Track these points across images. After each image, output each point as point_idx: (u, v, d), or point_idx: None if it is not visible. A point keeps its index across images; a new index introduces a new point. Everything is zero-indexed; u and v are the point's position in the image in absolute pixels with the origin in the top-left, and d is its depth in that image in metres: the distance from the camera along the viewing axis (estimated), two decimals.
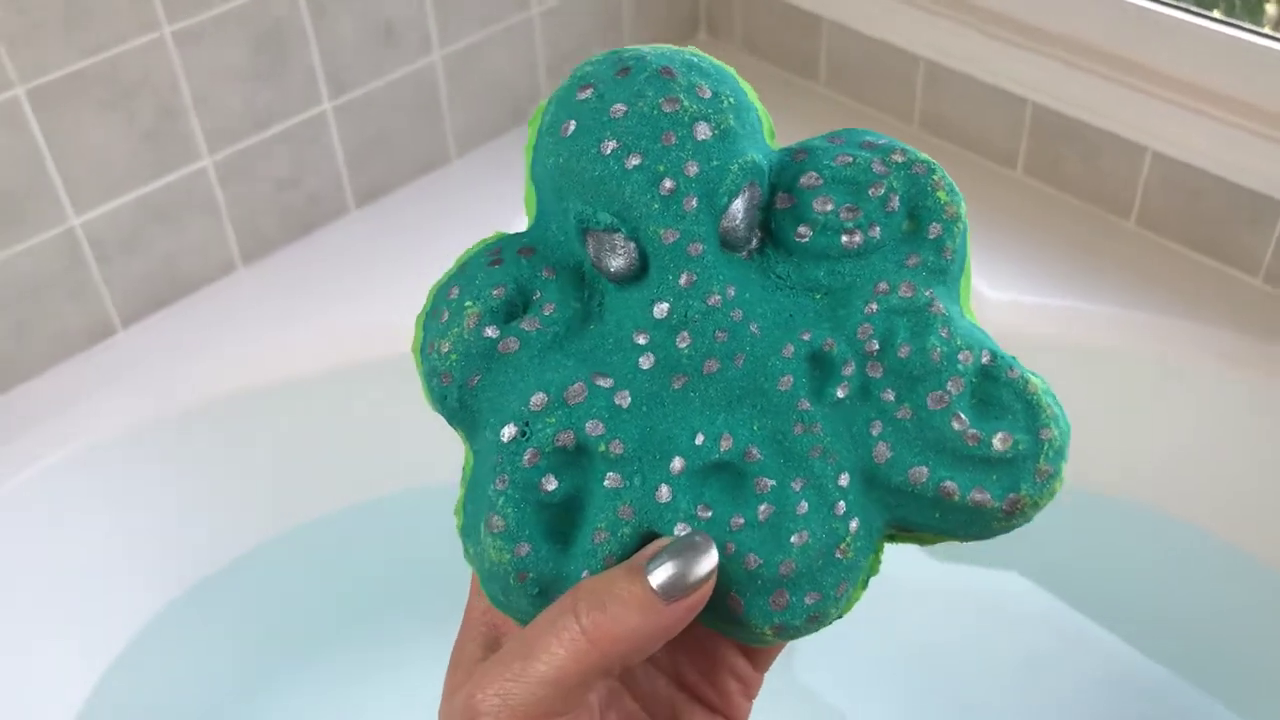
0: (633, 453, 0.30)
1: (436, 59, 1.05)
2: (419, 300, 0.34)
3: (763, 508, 0.30)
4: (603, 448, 0.30)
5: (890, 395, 0.30)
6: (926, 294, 0.31)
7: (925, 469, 0.30)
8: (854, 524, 0.30)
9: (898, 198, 0.32)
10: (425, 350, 0.32)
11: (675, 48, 0.32)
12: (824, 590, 0.30)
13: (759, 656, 0.34)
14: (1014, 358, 0.31)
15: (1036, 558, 1.00)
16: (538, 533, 0.30)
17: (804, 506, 0.30)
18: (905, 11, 1.02)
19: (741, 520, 0.30)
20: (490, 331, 0.31)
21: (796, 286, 0.32)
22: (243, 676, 0.95)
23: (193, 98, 0.91)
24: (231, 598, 0.96)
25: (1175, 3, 0.91)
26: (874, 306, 0.31)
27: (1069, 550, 1.00)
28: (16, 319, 0.90)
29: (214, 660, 0.95)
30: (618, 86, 0.31)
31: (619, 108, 0.31)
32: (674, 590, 0.28)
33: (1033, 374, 0.31)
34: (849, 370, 0.31)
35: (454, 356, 0.31)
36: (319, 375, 0.96)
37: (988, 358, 0.31)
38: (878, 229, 0.32)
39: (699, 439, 0.30)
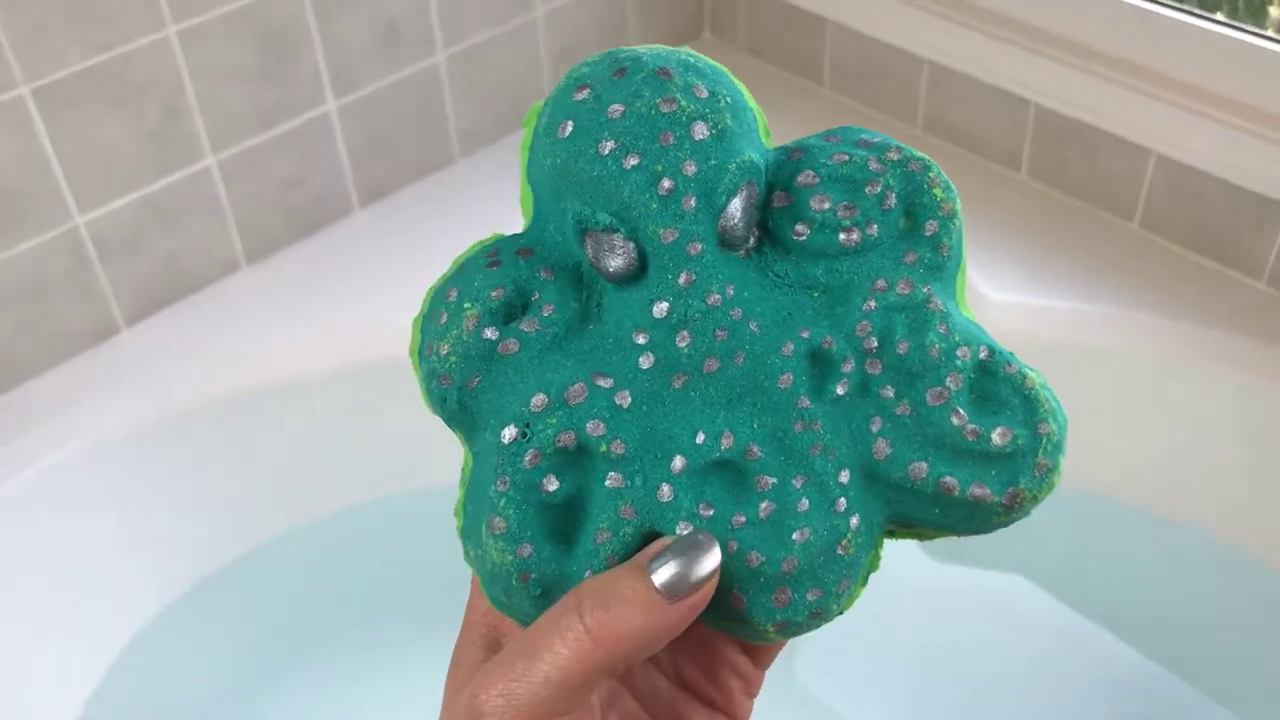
0: (634, 452, 0.30)
1: (441, 59, 1.05)
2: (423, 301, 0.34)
3: (764, 505, 0.30)
4: (604, 448, 0.30)
5: (889, 392, 0.30)
6: (924, 291, 0.31)
7: (925, 465, 0.30)
8: (855, 520, 0.30)
9: (894, 195, 0.32)
10: (423, 352, 0.32)
11: (670, 48, 0.32)
12: (826, 587, 0.30)
13: (760, 654, 0.34)
14: (1011, 353, 0.31)
15: (1038, 559, 1.00)
16: (540, 534, 0.30)
17: (805, 504, 0.30)
18: (909, 13, 1.03)
19: (743, 518, 0.30)
20: (489, 333, 0.31)
21: (795, 284, 0.32)
22: (243, 676, 0.95)
23: (197, 97, 0.92)
24: (232, 597, 0.96)
25: (1179, 5, 0.91)
26: (872, 304, 0.31)
27: (1071, 551, 1.00)
28: (20, 318, 0.90)
29: (215, 660, 0.95)
30: (615, 87, 0.31)
31: (616, 108, 0.31)
32: (677, 589, 0.28)
33: (1030, 369, 0.31)
34: (848, 367, 0.31)
35: (453, 358, 0.31)
36: (322, 375, 0.96)
37: (985, 353, 0.31)
38: (875, 226, 0.32)
39: (700, 438, 0.30)
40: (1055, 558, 1.00)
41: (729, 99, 0.31)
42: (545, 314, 0.31)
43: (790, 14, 1.15)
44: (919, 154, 0.32)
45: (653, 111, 0.31)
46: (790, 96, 1.17)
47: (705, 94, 0.31)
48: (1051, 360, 0.93)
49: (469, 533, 0.31)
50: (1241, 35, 0.88)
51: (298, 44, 0.95)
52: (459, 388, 0.31)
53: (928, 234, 0.32)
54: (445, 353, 0.31)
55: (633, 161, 0.30)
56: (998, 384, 0.31)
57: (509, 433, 0.30)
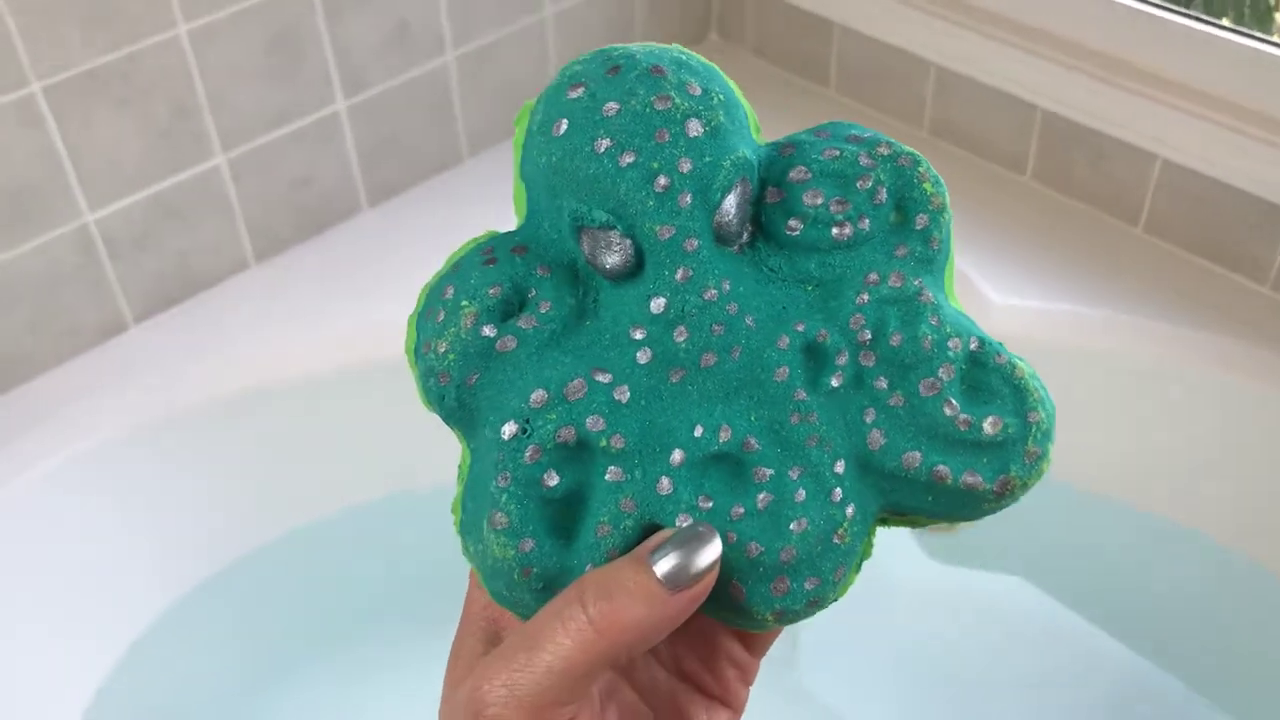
0: (633, 446, 0.31)
1: (450, 59, 1.05)
2: None
3: (762, 496, 0.31)
4: (604, 442, 0.30)
5: (883, 383, 0.31)
6: (915, 283, 0.32)
7: (918, 454, 0.31)
8: (850, 509, 0.31)
9: (885, 190, 0.32)
10: (420, 350, 0.32)
11: (662, 45, 0.33)
12: (823, 575, 0.31)
13: (755, 643, 0.34)
14: (1000, 343, 0.32)
15: (1039, 561, 1.00)
16: (541, 528, 0.30)
17: (802, 494, 0.30)
18: (916, 17, 1.03)
19: (741, 509, 0.31)
20: (488, 330, 0.31)
21: (789, 279, 0.32)
22: (247, 674, 0.95)
23: (207, 96, 0.92)
24: (237, 596, 0.96)
25: (1185, 10, 0.92)
26: (865, 297, 0.32)
27: (1072, 554, 1.00)
28: (30, 315, 0.91)
29: (219, 658, 0.95)
30: (609, 85, 0.31)
31: (611, 106, 0.31)
32: (678, 580, 0.29)
33: (1019, 359, 0.32)
34: (842, 360, 0.31)
35: (451, 356, 0.31)
36: (330, 374, 0.96)
37: (975, 344, 0.32)
38: (866, 221, 0.32)
39: (698, 431, 0.31)
40: (1056, 560, 1.00)
41: (721, 96, 0.32)
42: (542, 311, 0.31)
43: (797, 16, 1.15)
44: (908, 149, 0.33)
45: (647, 109, 0.31)
46: (796, 98, 1.17)
47: (699, 91, 0.31)
48: (1055, 363, 0.94)
49: (468, 528, 0.31)
50: (1247, 40, 0.88)
51: (308, 44, 0.96)
52: (457, 385, 0.31)
53: (918, 228, 0.32)
54: (443, 350, 0.31)
55: (628, 159, 0.31)
56: (988, 374, 0.31)
57: (509, 429, 0.31)
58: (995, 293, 0.95)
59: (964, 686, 0.96)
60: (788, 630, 1.08)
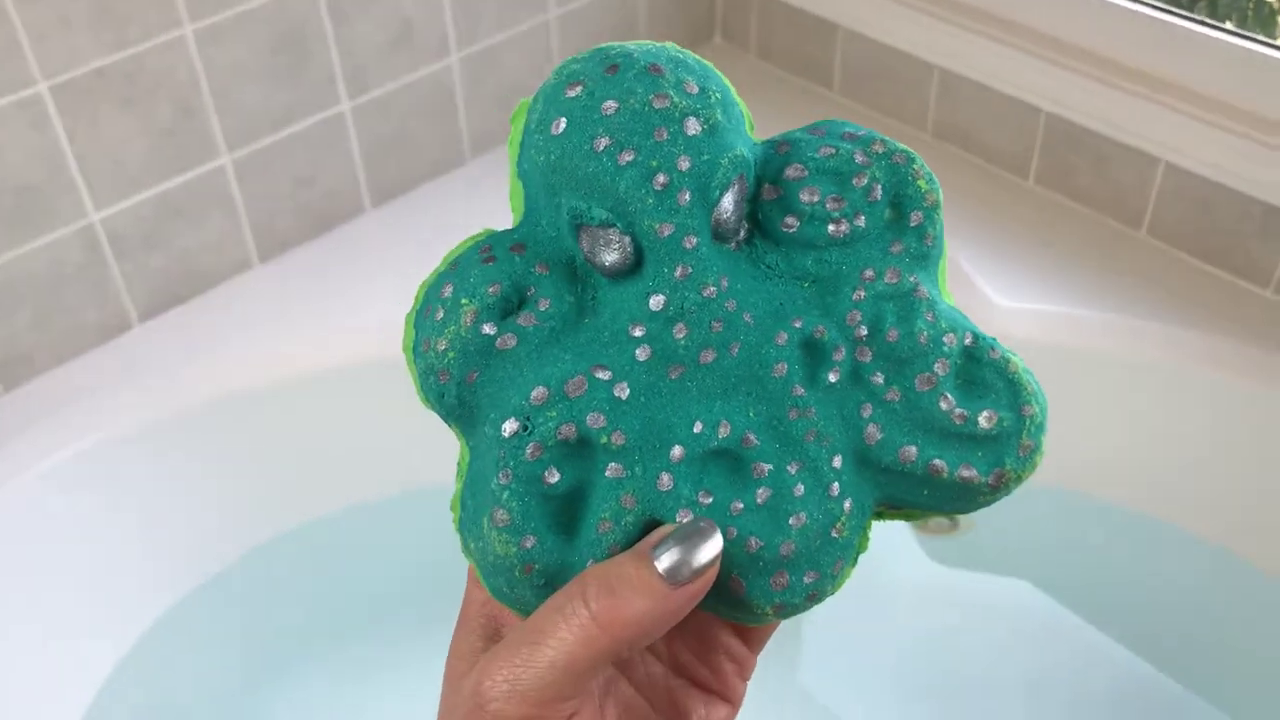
0: (633, 443, 0.31)
1: (454, 61, 1.05)
2: None
3: (761, 491, 0.31)
4: (604, 439, 0.31)
5: (879, 378, 0.32)
6: (911, 280, 0.32)
7: (914, 448, 0.31)
8: (848, 504, 0.31)
9: (880, 187, 0.33)
10: (419, 348, 0.32)
11: (659, 44, 0.33)
12: (822, 569, 0.31)
13: (752, 638, 0.34)
14: (994, 338, 0.32)
15: (1043, 565, 1.00)
16: (542, 525, 0.31)
17: (800, 489, 0.31)
18: (920, 20, 1.03)
19: (741, 505, 0.31)
20: (488, 328, 0.31)
21: (786, 275, 0.32)
22: (251, 672, 0.95)
23: (212, 96, 0.92)
24: (241, 594, 0.97)
25: (1189, 14, 0.92)
26: (861, 293, 0.32)
27: (1076, 558, 1.00)
28: (34, 313, 0.91)
29: (223, 656, 0.95)
30: (607, 84, 0.31)
31: (610, 105, 0.31)
32: (680, 575, 0.29)
33: (1012, 353, 0.32)
34: (840, 355, 0.32)
35: (451, 354, 0.31)
36: (332, 374, 0.96)
37: (970, 339, 0.32)
38: (862, 218, 0.33)
39: (697, 427, 0.31)
40: (1060, 564, 1.00)
41: (718, 94, 0.32)
42: (542, 309, 0.32)
43: (802, 19, 1.15)
44: (902, 146, 0.33)
45: (646, 108, 0.31)
46: (800, 100, 1.17)
47: (696, 90, 0.32)
48: (1057, 366, 0.94)
49: (468, 526, 0.32)
50: (1251, 44, 0.88)
51: (312, 44, 0.96)
52: (457, 383, 0.32)
53: (913, 224, 0.33)
54: (443, 348, 0.32)
55: (628, 157, 0.31)
56: (982, 369, 0.32)
57: (510, 426, 0.31)
58: (998, 295, 0.96)
59: (963, 686, 0.96)
60: (790, 631, 1.08)
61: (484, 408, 0.32)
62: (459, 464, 0.33)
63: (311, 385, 0.96)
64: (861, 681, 0.97)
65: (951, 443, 0.31)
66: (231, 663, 0.95)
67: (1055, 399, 0.98)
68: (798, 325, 0.32)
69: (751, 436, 0.31)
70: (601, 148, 0.31)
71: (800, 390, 0.31)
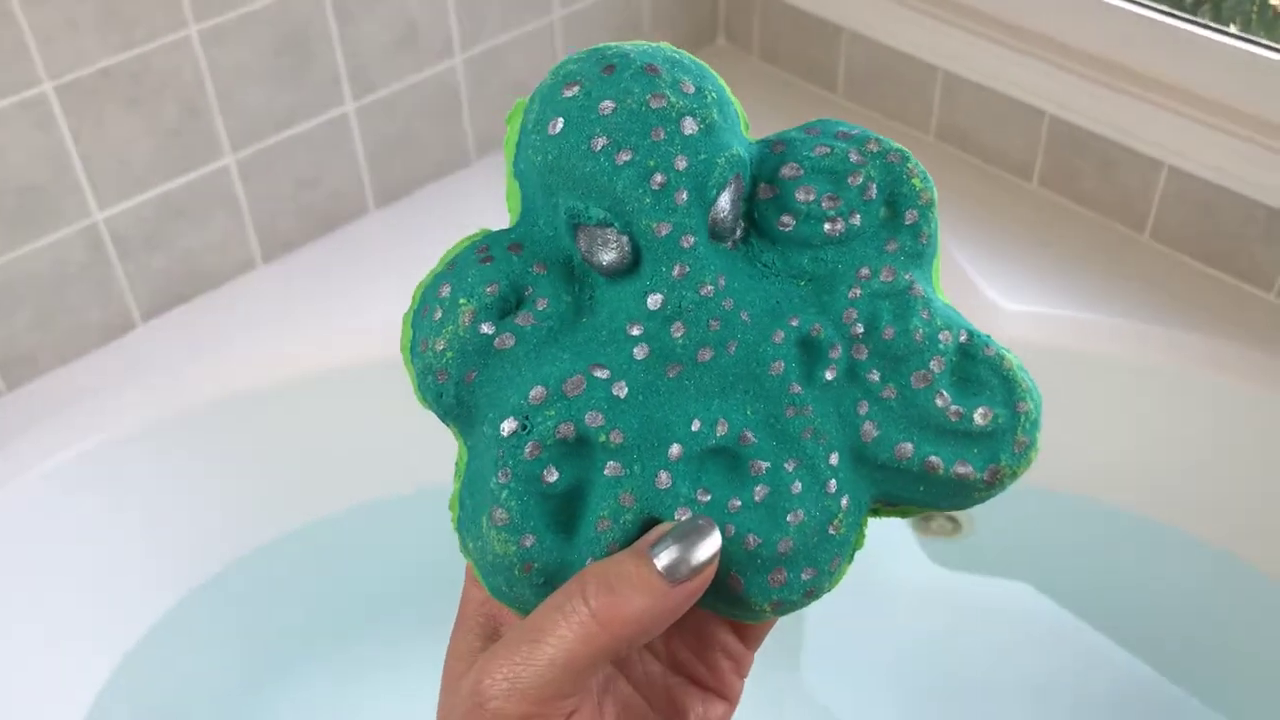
0: (632, 441, 0.31)
1: (458, 62, 1.06)
2: None
3: (759, 489, 0.31)
4: (603, 438, 0.31)
5: (876, 376, 0.32)
6: (906, 278, 0.32)
7: (910, 445, 0.31)
8: (845, 501, 0.31)
9: (875, 186, 0.33)
10: (417, 348, 0.32)
11: (655, 44, 0.33)
12: (819, 566, 0.31)
13: (749, 635, 0.34)
14: (988, 335, 0.32)
15: (1046, 570, 1.00)
16: (541, 524, 0.31)
17: (798, 486, 0.31)
18: (924, 23, 1.03)
19: (739, 502, 0.31)
20: (486, 328, 0.31)
21: (782, 274, 0.33)
22: (253, 672, 0.95)
23: (217, 96, 0.93)
24: (243, 594, 0.97)
25: (1193, 18, 0.92)
26: (857, 291, 0.32)
27: (1081, 562, 1.00)
28: (38, 312, 0.91)
29: (225, 656, 0.95)
30: (604, 84, 0.32)
31: (607, 105, 0.31)
32: (679, 572, 0.29)
33: (1006, 350, 0.32)
34: (836, 353, 0.32)
35: (450, 354, 0.32)
36: (335, 374, 0.96)
37: (965, 337, 0.32)
38: (858, 216, 0.33)
39: (695, 425, 0.31)
40: (1062, 567, 1.00)
41: (714, 94, 0.32)
42: (540, 308, 0.32)
43: (805, 21, 1.15)
44: (896, 145, 0.33)
45: (643, 108, 0.31)
46: (803, 103, 1.17)
47: (692, 90, 0.32)
48: (1061, 369, 0.94)
49: (466, 525, 0.32)
50: (1255, 48, 0.88)
51: (317, 45, 0.96)
52: (456, 382, 0.32)
53: (908, 223, 0.33)
54: (441, 348, 0.32)
55: (625, 157, 0.31)
56: (977, 366, 0.32)
57: (508, 425, 0.31)
58: (1001, 298, 0.96)
59: (965, 689, 0.96)
60: (792, 634, 1.07)
61: (482, 407, 0.32)
62: (457, 463, 0.33)
63: (314, 385, 0.96)
64: (863, 684, 0.97)
65: (947, 439, 0.31)
66: (233, 662, 0.96)
67: (1058, 403, 0.97)
68: (794, 323, 0.32)
69: (749, 434, 0.31)
70: (599, 147, 0.31)
71: (797, 388, 0.31)
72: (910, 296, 0.32)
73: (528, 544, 0.30)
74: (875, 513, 0.33)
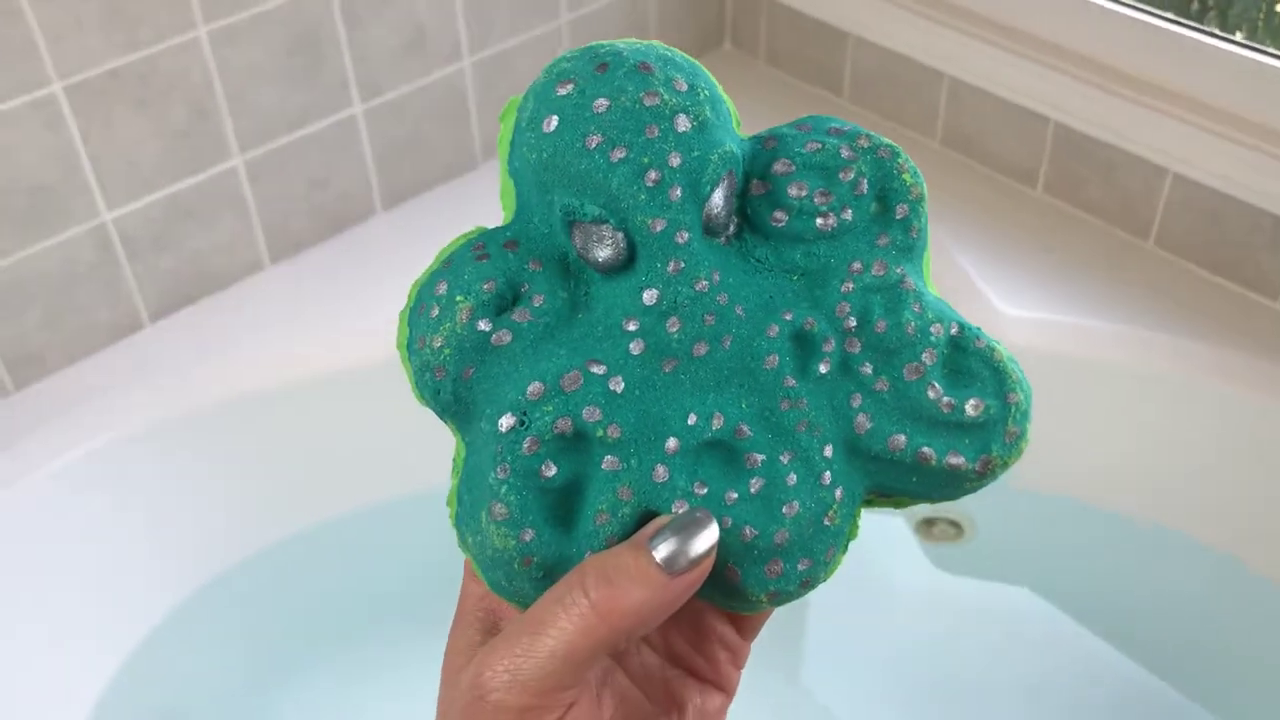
0: (629, 435, 0.31)
1: (466, 65, 1.06)
2: None
3: (755, 481, 0.31)
4: (600, 432, 0.31)
5: (868, 369, 0.32)
6: (898, 271, 0.33)
7: (903, 437, 0.32)
8: (839, 492, 0.32)
9: (866, 181, 0.33)
10: (414, 346, 0.33)
11: (647, 42, 0.33)
12: (815, 556, 0.32)
13: (746, 626, 0.35)
14: (979, 327, 0.33)
15: (1049, 575, 1.00)
16: (540, 518, 0.31)
17: (793, 478, 0.31)
18: (930, 28, 1.03)
19: (735, 495, 0.31)
20: (483, 325, 0.32)
21: (775, 269, 0.33)
22: (257, 672, 0.96)
23: (226, 98, 0.93)
24: (247, 595, 0.97)
25: (1199, 26, 0.92)
26: (850, 285, 0.33)
27: (1080, 567, 1.00)
28: (45, 312, 0.92)
29: (228, 656, 0.96)
30: (598, 82, 0.32)
31: (601, 103, 0.32)
32: (677, 564, 0.29)
33: (996, 342, 0.33)
34: (829, 347, 0.32)
35: (447, 351, 0.32)
36: (341, 376, 0.96)
37: (956, 329, 0.33)
38: (849, 211, 0.33)
39: (691, 419, 0.31)
40: (1066, 572, 1.00)
41: (707, 92, 0.33)
42: (536, 305, 0.32)
43: (811, 26, 1.16)
44: (886, 140, 0.34)
45: (637, 106, 0.31)
46: (809, 107, 1.18)
47: (685, 87, 0.32)
48: (1064, 375, 0.94)
49: (465, 520, 0.32)
50: (1261, 56, 0.88)
51: (326, 47, 0.96)
52: (453, 379, 0.32)
53: (898, 217, 0.33)
54: (439, 345, 0.32)
55: (620, 154, 0.31)
56: (968, 358, 0.32)
57: (507, 421, 0.31)
58: (1004, 304, 0.96)
59: (967, 692, 0.96)
60: (795, 637, 1.07)
61: (480, 403, 0.32)
62: (454, 460, 0.33)
63: (321, 387, 0.96)
64: (866, 688, 0.97)
65: (939, 431, 0.32)
66: (237, 663, 0.96)
67: (1062, 409, 0.98)
68: (788, 318, 0.32)
69: (744, 428, 0.31)
70: (593, 145, 0.31)
71: (791, 381, 0.32)
72: (902, 290, 0.32)
73: (527, 538, 0.31)
74: (868, 503, 0.33)
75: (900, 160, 0.34)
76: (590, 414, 0.31)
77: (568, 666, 0.29)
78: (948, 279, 0.98)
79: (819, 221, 0.33)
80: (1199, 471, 0.94)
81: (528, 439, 0.31)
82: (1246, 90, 0.89)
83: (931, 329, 0.32)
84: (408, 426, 0.95)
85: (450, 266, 0.33)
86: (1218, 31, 0.91)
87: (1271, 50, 0.89)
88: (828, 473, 0.32)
